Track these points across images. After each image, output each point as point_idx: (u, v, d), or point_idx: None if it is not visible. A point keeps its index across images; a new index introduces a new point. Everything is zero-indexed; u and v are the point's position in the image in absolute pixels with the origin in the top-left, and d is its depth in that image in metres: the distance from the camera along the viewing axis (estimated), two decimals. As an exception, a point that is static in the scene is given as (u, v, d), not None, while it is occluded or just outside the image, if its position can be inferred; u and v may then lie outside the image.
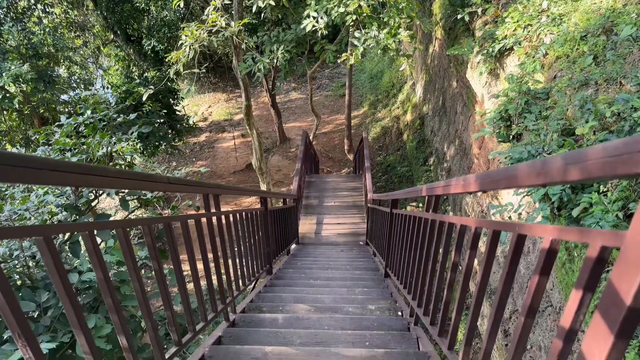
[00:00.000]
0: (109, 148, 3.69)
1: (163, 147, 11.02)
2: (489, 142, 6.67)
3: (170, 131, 11.30)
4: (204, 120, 18.13)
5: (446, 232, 1.86)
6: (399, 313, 2.83)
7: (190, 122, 6.55)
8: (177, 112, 11.52)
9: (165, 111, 10.98)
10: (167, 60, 5.78)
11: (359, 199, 8.62)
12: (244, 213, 3.06)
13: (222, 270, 2.63)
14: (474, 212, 7.00)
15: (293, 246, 6.66)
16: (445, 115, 9.20)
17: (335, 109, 17.00)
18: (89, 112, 3.80)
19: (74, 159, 3.38)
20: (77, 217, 3.37)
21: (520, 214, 4.05)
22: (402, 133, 12.39)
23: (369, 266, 4.78)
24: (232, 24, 5.47)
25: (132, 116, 3.98)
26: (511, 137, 5.02)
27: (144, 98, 6.02)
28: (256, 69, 7.06)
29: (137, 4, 12.36)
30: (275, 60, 6.85)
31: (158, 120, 11.14)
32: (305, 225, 7.74)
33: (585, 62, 4.37)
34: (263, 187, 10.14)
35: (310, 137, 10.40)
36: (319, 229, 7.59)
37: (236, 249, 2.94)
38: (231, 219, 2.84)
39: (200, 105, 19.49)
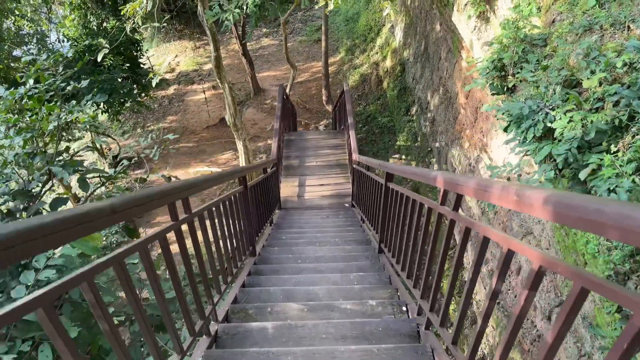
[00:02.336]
0: (60, 121, 3.20)
1: (128, 104, 10.29)
2: (477, 92, 6.32)
3: (135, 86, 10.52)
4: (171, 72, 17.11)
5: (480, 249, 1.50)
6: (404, 308, 2.59)
7: (153, 83, 5.94)
8: (142, 65, 10.69)
9: (128, 65, 10.15)
10: (122, 13, 5.11)
11: (342, 158, 8.24)
12: (221, 204, 2.66)
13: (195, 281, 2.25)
14: (461, 166, 6.78)
15: (276, 212, 6.34)
16: (428, 61, 8.74)
17: (310, 56, 16.21)
18: (31, 81, 3.24)
19: (18, 139, 2.89)
20: (29, 204, 2.94)
21: (519, 175, 3.78)
22: (382, 81, 11.88)
23: (359, 237, 4.51)
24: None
25: (84, 83, 3.45)
26: (506, 88, 4.68)
27: (99, 58, 5.37)
28: (224, 18, 6.41)
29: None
30: (245, 7, 6.20)
31: (121, 75, 10.34)
32: (287, 188, 7.40)
33: (588, 4, 3.97)
34: (239, 144, 9.67)
35: (288, 90, 9.82)
36: (302, 191, 7.25)
37: (213, 246, 2.57)
38: (206, 215, 2.41)
39: (166, 55, 18.34)
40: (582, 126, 3.31)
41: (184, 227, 2.01)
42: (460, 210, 1.82)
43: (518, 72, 4.38)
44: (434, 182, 1.92)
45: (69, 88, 3.47)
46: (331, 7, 5.19)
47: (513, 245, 1.23)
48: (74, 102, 3.69)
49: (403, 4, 10.55)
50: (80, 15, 13.33)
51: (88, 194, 3.33)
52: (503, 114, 4.04)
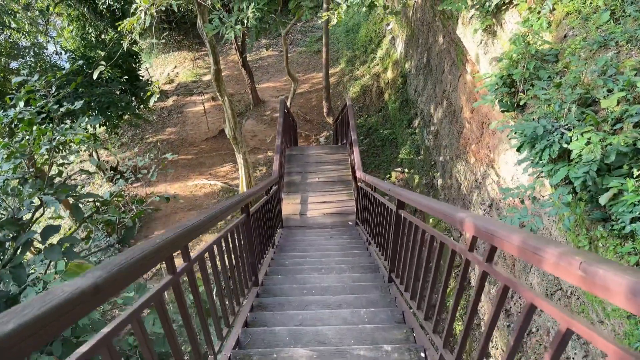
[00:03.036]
0: (53, 144, 3.04)
1: (127, 117, 10.14)
2: (483, 106, 6.18)
3: (133, 99, 10.38)
4: (170, 83, 17.00)
5: (524, 319, 1.29)
6: (422, 355, 2.39)
7: (151, 102, 5.78)
8: (140, 78, 10.56)
9: (126, 77, 10.02)
10: (119, 29, 4.97)
11: (345, 174, 8.05)
12: (222, 241, 2.45)
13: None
14: (467, 182, 6.62)
15: (278, 232, 6.14)
16: (430, 73, 8.61)
17: (310, 67, 16.11)
18: (21, 103, 3.09)
19: (6, 167, 2.72)
20: (19, 233, 2.77)
21: (534, 197, 3.62)
22: (383, 92, 11.76)
23: (366, 262, 4.31)
24: (194, -19, 4.67)
25: (78, 104, 3.29)
26: (516, 105, 4.53)
27: (95, 76, 5.23)
28: (224, 32, 6.29)
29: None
30: (245, 20, 6.07)
31: (120, 88, 10.21)
32: (289, 206, 7.22)
33: (602, 19, 3.84)
34: (239, 158, 9.52)
35: (288, 103, 9.67)
36: (304, 209, 7.06)
37: (214, 285, 2.36)
38: (207, 256, 2.18)
39: (165, 66, 18.25)
40: (602, 148, 3.16)
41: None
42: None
43: (529, 89, 4.24)
44: (462, 226, 1.71)
45: (62, 109, 3.32)
46: (334, 21, 5.06)
47: (576, 326, 1.02)
48: (68, 122, 3.54)
49: (404, 15, 10.46)
50: (78, 26, 13.27)
51: (80, 221, 3.16)
52: (516, 133, 3.89)
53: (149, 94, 5.99)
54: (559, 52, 4.13)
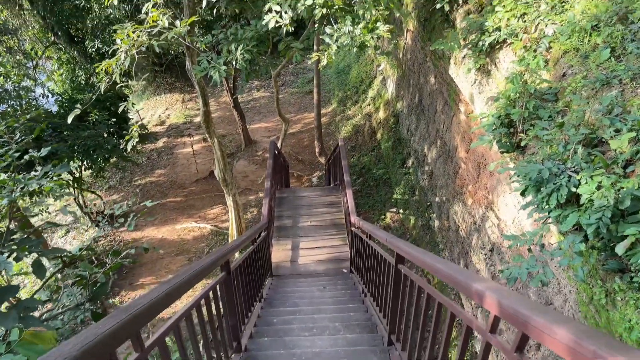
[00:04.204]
0: (15, 195, 2.76)
1: (114, 160, 9.88)
2: (479, 146, 6.00)
3: (121, 141, 10.16)
4: (161, 124, 16.89)
5: None
6: None
7: (129, 146, 5.53)
8: (129, 120, 10.38)
9: (114, 119, 9.83)
10: (97, 70, 4.80)
11: (339, 217, 7.73)
12: (194, 311, 2.08)
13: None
14: (466, 224, 6.35)
15: (267, 282, 5.75)
16: (423, 113, 8.51)
17: (302, 107, 16.12)
18: (-22, 152, 2.86)
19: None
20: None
21: (542, 246, 3.34)
22: (376, 132, 11.67)
23: (362, 319, 3.91)
24: (178, 23, 4.54)
25: (44, 152, 3.03)
26: (515, 146, 4.34)
27: (69, 120, 5.01)
28: (213, 74, 6.15)
29: (78, 3, 11.08)
30: (234, 62, 5.94)
31: (107, 130, 10.00)
32: (280, 252, 6.84)
33: (602, 57, 3.70)
34: (228, 200, 9.22)
35: (279, 144, 9.47)
36: (295, 255, 6.69)
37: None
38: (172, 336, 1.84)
39: (157, 108, 18.21)
40: (615, 192, 2.92)
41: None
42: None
43: (529, 129, 4.05)
44: (480, 300, 1.40)
45: (26, 157, 3.05)
46: (324, 62, 4.92)
47: None
48: (39, 169, 3.26)
49: (395, 56, 10.50)
50: (69, 69, 13.23)
51: (44, 280, 2.82)
52: (519, 176, 3.66)
53: (127, 137, 5.76)
54: (559, 90, 3.98)
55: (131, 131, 5.81)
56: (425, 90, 8.30)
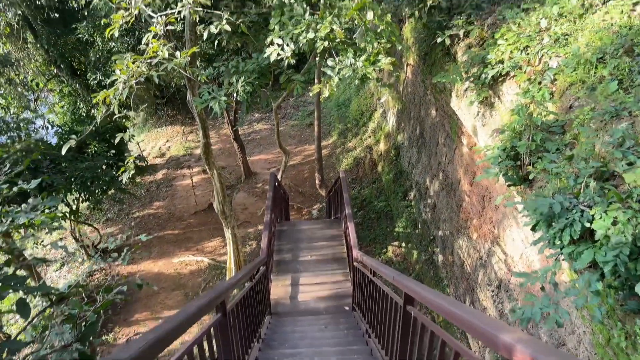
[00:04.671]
0: (2, 228, 2.63)
1: (112, 192, 9.75)
2: (483, 179, 5.90)
3: (119, 173, 10.07)
4: (161, 157, 16.86)
5: None
6: None
7: (125, 178, 5.40)
8: (127, 152, 10.32)
9: (113, 151, 9.78)
10: (94, 102, 4.75)
11: (340, 251, 7.52)
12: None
13: None
14: (471, 259, 6.17)
15: (265, 320, 5.47)
16: (424, 146, 8.45)
17: (303, 139, 16.14)
18: (-36, 183, 2.76)
19: None
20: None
21: (555, 284, 3.17)
22: (377, 164, 11.60)
23: (367, 362, 3.70)
24: (178, 54, 4.52)
25: (34, 183, 2.93)
26: (522, 179, 4.23)
27: (63, 152, 4.93)
28: (214, 105, 6.12)
29: (81, 37, 11.23)
30: (235, 94, 5.91)
31: (106, 162, 9.93)
32: (279, 289, 6.60)
33: (610, 89, 3.64)
34: (227, 233, 9.04)
35: (279, 176, 9.37)
36: (295, 292, 6.45)
37: None
38: None
39: (157, 140, 18.23)
40: (632, 227, 2.79)
41: None
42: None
43: (536, 162, 3.95)
44: (509, 355, 1.22)
45: (14, 189, 2.94)
46: (326, 94, 4.87)
47: None
48: (30, 201, 3.14)
49: (395, 89, 10.55)
50: (70, 102, 13.30)
51: (29, 320, 2.65)
52: (529, 211, 3.54)
53: (122, 170, 5.67)
54: (566, 123, 3.90)
55: (127, 163, 5.71)
56: (426, 122, 8.27)
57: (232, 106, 11.28)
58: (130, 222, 12.96)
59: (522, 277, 3.38)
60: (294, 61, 5.74)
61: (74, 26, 10.65)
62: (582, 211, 3.14)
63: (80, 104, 12.75)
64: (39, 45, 12.46)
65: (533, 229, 3.48)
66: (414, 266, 8.13)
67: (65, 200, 9.04)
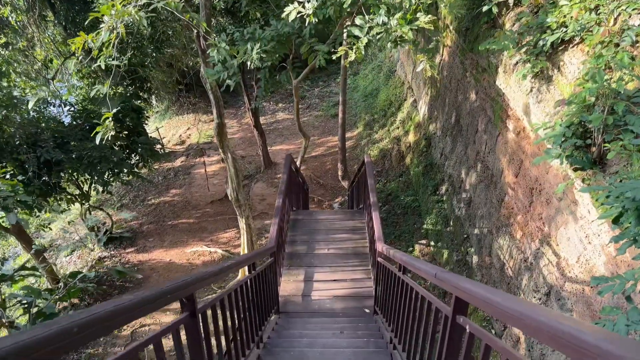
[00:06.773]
0: None
1: (124, 174, 9.25)
2: (531, 169, 5.06)
3: (132, 155, 9.57)
4: (181, 144, 16.44)
5: None
6: None
7: (97, 139, 4.71)
8: (141, 133, 9.79)
9: (126, 132, 9.28)
10: (73, 49, 4.17)
11: (362, 244, 6.71)
12: None
13: None
14: (513, 261, 5.34)
15: (271, 319, 4.72)
16: (460, 135, 7.62)
17: (326, 130, 15.43)
18: None
19: None
20: None
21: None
22: (404, 156, 10.79)
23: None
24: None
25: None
26: (593, 161, 3.42)
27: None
28: (224, 77, 5.47)
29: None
30: (249, 63, 5.24)
31: (119, 144, 9.45)
32: (289, 284, 5.82)
33: None
34: (241, 223, 8.42)
35: (298, 162, 8.65)
36: (308, 289, 5.68)
37: None
38: None
39: (178, 127, 17.84)
40: None
41: None
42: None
43: (613, 140, 3.14)
44: None
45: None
46: (352, 57, 4.14)
47: None
48: None
49: (429, 77, 9.71)
50: (89, 84, 12.92)
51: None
52: (608, 197, 2.74)
53: (97, 129, 5.02)
54: (655, 91, 3.08)
55: (103, 120, 5.04)
56: (463, 108, 7.44)
57: (252, 87, 10.65)
58: (146, 209, 12.52)
59: (600, 283, 2.60)
60: (316, 30, 5.02)
61: (91, 0, 10.22)
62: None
63: (98, 85, 12.37)
64: (56, 22, 12.12)
65: (615, 221, 2.69)
66: (443, 267, 7.32)
67: (73, 179, 8.58)
